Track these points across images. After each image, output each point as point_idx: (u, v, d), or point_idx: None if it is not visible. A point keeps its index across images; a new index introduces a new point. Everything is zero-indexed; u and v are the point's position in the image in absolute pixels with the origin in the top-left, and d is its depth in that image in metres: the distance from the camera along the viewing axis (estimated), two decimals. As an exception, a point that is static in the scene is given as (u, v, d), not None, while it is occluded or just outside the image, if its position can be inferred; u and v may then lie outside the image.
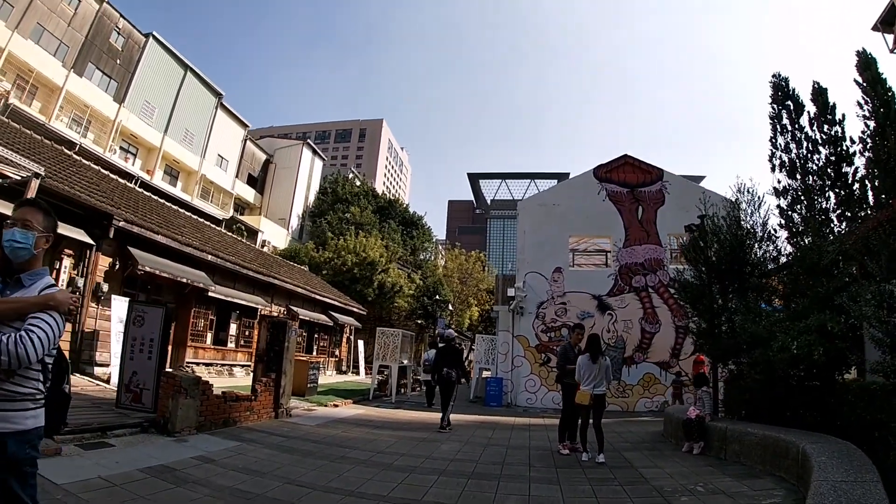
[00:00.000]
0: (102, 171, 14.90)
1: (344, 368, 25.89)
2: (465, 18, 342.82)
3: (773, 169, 11.17)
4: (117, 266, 11.38)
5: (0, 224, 2.51)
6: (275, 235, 38.34)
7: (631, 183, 16.86)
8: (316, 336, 22.96)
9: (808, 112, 10.79)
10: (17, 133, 12.25)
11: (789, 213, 10.70)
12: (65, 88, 26.20)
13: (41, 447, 2.23)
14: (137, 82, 30.37)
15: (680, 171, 17.70)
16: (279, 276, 18.86)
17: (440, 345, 11.49)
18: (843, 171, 10.15)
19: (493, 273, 46.09)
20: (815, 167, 10.48)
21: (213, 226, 20.43)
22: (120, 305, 10.25)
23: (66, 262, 10.32)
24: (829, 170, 10.24)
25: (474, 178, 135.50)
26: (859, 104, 10.09)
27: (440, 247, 60.87)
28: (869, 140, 9.87)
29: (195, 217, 19.16)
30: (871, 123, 9.88)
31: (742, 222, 9.33)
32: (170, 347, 13.57)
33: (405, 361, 15.85)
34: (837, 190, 10.12)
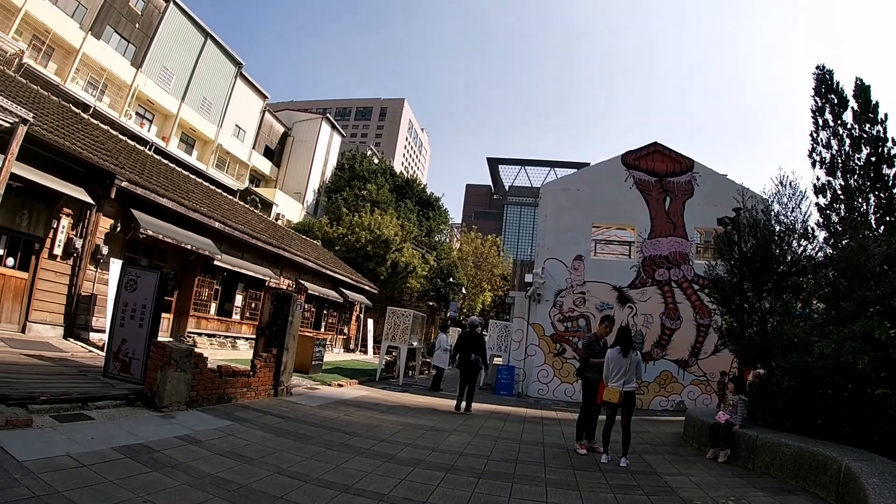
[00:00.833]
0: (112, 131, 14.40)
1: (352, 347, 25.54)
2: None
3: (813, 164, 10.77)
4: (118, 228, 10.90)
5: None
6: (289, 209, 37.90)
7: (660, 172, 16.03)
8: (325, 312, 22.54)
9: (852, 108, 10.38)
10: (12, 81, 11.74)
11: (828, 212, 10.25)
12: (81, 51, 25.70)
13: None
14: (156, 48, 29.85)
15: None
16: (290, 248, 18.34)
17: (466, 330, 11.32)
18: (884, 172, 9.70)
19: (510, 259, 45.32)
20: (856, 166, 10.03)
21: (225, 194, 19.91)
22: (119, 269, 9.75)
23: (65, 222, 9.85)
24: (869, 170, 9.79)
25: (493, 163, 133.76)
26: None
27: (455, 230, 60.24)
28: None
29: (206, 184, 18.66)
30: None
31: (782, 217, 8.82)
32: (171, 315, 13.34)
33: (415, 343, 15.31)
34: (877, 192, 9.69)
